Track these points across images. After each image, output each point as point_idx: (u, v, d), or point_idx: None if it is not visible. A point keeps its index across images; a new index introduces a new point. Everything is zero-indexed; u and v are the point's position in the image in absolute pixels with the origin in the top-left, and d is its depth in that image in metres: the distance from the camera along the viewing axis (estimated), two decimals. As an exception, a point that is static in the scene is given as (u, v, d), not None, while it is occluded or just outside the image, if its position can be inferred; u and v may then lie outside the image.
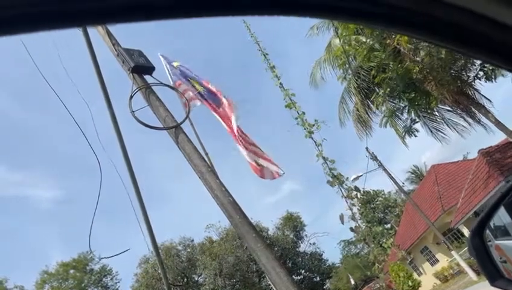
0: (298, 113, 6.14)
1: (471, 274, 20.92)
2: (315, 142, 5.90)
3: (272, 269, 3.86)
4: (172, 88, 5.94)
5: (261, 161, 5.36)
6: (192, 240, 41.44)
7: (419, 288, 28.93)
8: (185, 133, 5.07)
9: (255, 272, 36.83)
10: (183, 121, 5.09)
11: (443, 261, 27.75)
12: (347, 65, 17.39)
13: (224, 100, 5.54)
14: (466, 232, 24.54)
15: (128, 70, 5.42)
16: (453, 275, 25.60)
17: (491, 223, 1.19)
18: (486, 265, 1.06)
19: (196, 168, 4.68)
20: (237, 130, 5.33)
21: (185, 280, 38.82)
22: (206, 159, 4.95)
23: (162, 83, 5.65)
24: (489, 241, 1.26)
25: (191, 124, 5.67)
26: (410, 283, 27.50)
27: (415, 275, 30.55)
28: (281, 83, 6.13)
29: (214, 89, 5.72)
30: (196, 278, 39.69)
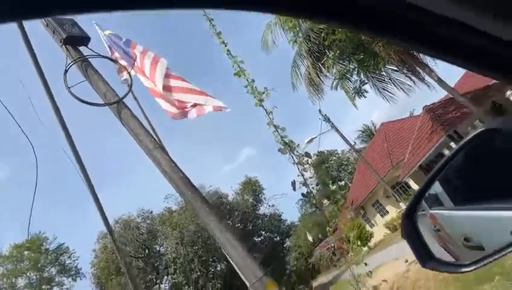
0: (248, 81, 6.00)
1: (418, 223, 22.55)
2: (265, 110, 5.83)
3: (227, 241, 3.85)
4: (112, 60, 5.55)
5: (202, 99, 5.15)
6: (151, 212, 41.09)
7: (371, 238, 30.83)
8: (129, 108, 4.80)
9: (217, 237, 37.32)
10: (126, 95, 4.80)
11: (392, 212, 29.60)
12: (297, 28, 17.24)
13: (149, 57, 5.28)
14: (413, 184, 26.22)
15: (60, 42, 4.97)
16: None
17: (426, 194, 1.19)
18: (418, 248, 1.09)
19: (142, 145, 4.47)
20: (167, 76, 5.13)
21: (147, 251, 38.75)
22: (153, 134, 4.74)
23: (100, 55, 5.24)
24: (424, 210, 1.28)
25: (135, 98, 5.37)
26: (358, 243, 29.21)
27: (368, 227, 32.45)
28: (228, 50, 5.92)
29: (140, 50, 5.41)
30: (158, 249, 39.72)
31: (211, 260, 37.24)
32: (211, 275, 36.66)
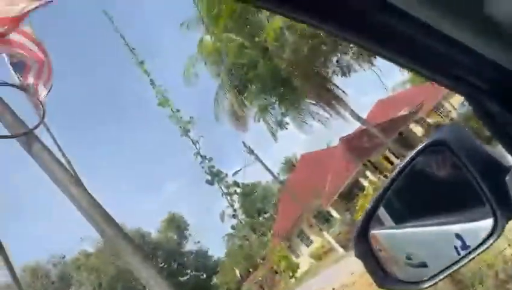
0: (172, 111, 5.85)
1: (340, 250, 23.36)
2: (192, 140, 5.70)
3: (152, 280, 3.58)
4: (20, 88, 5.04)
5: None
6: (64, 257, 37.34)
7: (298, 269, 31.19)
8: (40, 140, 4.37)
9: (139, 279, 34.94)
10: (36, 126, 4.37)
11: (317, 241, 30.43)
12: (220, 62, 17.57)
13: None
14: (334, 213, 27.41)
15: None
16: (325, 252, 28.21)
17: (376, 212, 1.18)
18: (373, 268, 1.06)
19: (56, 180, 4.06)
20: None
21: (58, 301, 34.88)
22: (69, 167, 4.32)
23: (5, 83, 4.74)
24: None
25: (47, 129, 4.89)
26: (290, 272, 29.47)
27: (293, 258, 32.84)
28: (151, 80, 5.74)
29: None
30: (71, 298, 35.96)
31: (132, 305, 34.62)
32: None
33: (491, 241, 0.84)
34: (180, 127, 5.52)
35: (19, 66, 5.23)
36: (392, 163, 21.83)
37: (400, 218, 1.20)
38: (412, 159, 0.98)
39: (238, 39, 15.10)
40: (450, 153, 0.83)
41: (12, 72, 5.17)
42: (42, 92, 5.09)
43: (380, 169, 21.00)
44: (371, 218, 1.13)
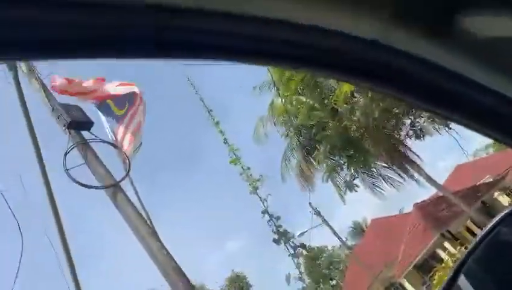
0: (243, 169, 6.08)
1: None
2: (260, 198, 5.82)
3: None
4: (111, 144, 5.64)
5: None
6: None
7: None
8: (124, 193, 4.77)
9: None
10: (122, 179, 4.81)
11: (388, 316, 27.77)
12: (289, 123, 18.05)
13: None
14: (408, 285, 25.06)
15: (64, 126, 5.11)
16: (398, 330, 25.60)
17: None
18: None
19: (136, 231, 4.35)
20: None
21: None
22: (147, 220, 4.63)
23: (100, 139, 5.37)
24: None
25: (131, 183, 5.34)
26: None
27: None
28: (225, 139, 6.10)
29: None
30: None
31: None
32: None
33: None
34: (250, 184, 5.74)
35: (111, 116, 5.91)
36: (474, 235, 19.84)
37: (484, 289, 1.14)
38: (494, 226, 0.96)
39: (308, 101, 15.54)
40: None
41: (107, 129, 5.84)
42: (129, 147, 5.64)
43: (461, 241, 19.14)
44: (451, 288, 1.09)
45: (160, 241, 4.29)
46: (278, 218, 6.04)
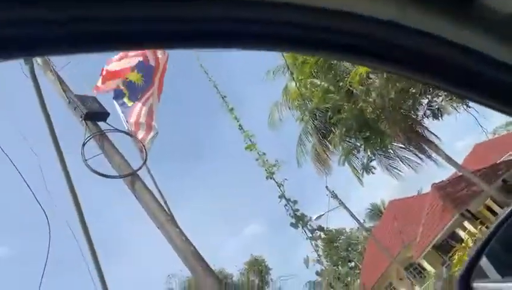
0: (259, 155, 6.08)
1: (435, 308, 21.02)
2: (276, 182, 5.83)
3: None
4: (127, 134, 5.71)
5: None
6: (151, 293, 39.01)
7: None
8: (142, 181, 4.84)
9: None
10: (139, 168, 4.88)
11: (407, 297, 27.83)
12: (304, 107, 17.92)
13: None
14: (427, 266, 24.99)
15: (81, 117, 5.18)
16: (417, 310, 25.63)
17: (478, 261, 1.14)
18: None
19: (155, 219, 4.43)
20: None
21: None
22: (165, 207, 4.70)
23: (116, 129, 5.44)
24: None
25: (149, 171, 5.42)
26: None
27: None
28: (240, 125, 6.10)
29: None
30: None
31: None
32: None
33: None
34: (266, 170, 5.74)
35: (126, 105, 5.97)
36: (495, 213, 19.52)
37: (507, 270, 1.13)
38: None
39: (323, 84, 15.36)
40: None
41: (123, 120, 5.90)
42: (146, 136, 5.70)
43: (481, 220, 18.87)
44: (473, 266, 1.08)
45: (178, 227, 4.36)
46: (295, 202, 6.06)
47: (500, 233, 0.97)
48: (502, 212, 0.97)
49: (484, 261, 1.07)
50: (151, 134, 5.51)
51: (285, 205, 5.97)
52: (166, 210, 4.75)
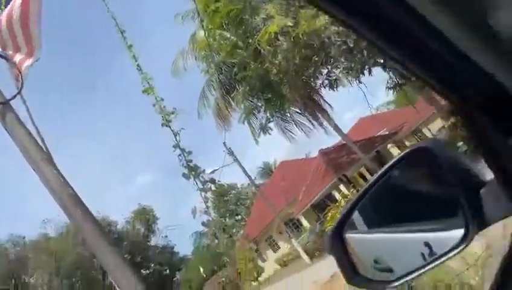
0: (156, 100, 5.78)
1: (306, 259, 23.54)
2: (172, 131, 5.64)
3: (116, 267, 3.50)
4: (1, 56, 4.87)
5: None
6: (24, 237, 36.17)
7: (262, 273, 31.27)
8: (15, 113, 4.23)
9: (100, 269, 34.26)
10: (13, 97, 4.23)
11: (284, 248, 30.58)
12: (210, 59, 17.51)
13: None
14: (304, 222, 27.65)
15: None
16: (291, 260, 28.40)
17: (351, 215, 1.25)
18: (344, 264, 1.11)
19: (28, 157, 3.93)
20: None
21: (13, 281, 33.68)
22: (42, 144, 4.19)
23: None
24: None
25: (24, 102, 4.74)
26: (255, 274, 29.48)
27: (259, 262, 32.91)
28: (138, 65, 5.66)
29: None
30: (27, 279, 34.77)
31: (90, 294, 33.86)
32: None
33: (457, 250, 0.87)
34: (162, 117, 5.45)
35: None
36: (366, 179, 22.21)
37: (373, 223, 1.23)
38: (392, 166, 1.01)
39: (232, 38, 15.09)
40: (430, 160, 0.85)
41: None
42: (24, 63, 4.93)
43: (354, 184, 21.29)
44: (346, 220, 1.16)
45: (56, 168, 3.95)
46: (190, 153, 5.95)
47: (374, 190, 1.05)
48: (373, 176, 1.09)
49: (356, 216, 1.17)
50: (31, 60, 4.77)
51: (179, 154, 5.84)
52: (43, 148, 4.25)
